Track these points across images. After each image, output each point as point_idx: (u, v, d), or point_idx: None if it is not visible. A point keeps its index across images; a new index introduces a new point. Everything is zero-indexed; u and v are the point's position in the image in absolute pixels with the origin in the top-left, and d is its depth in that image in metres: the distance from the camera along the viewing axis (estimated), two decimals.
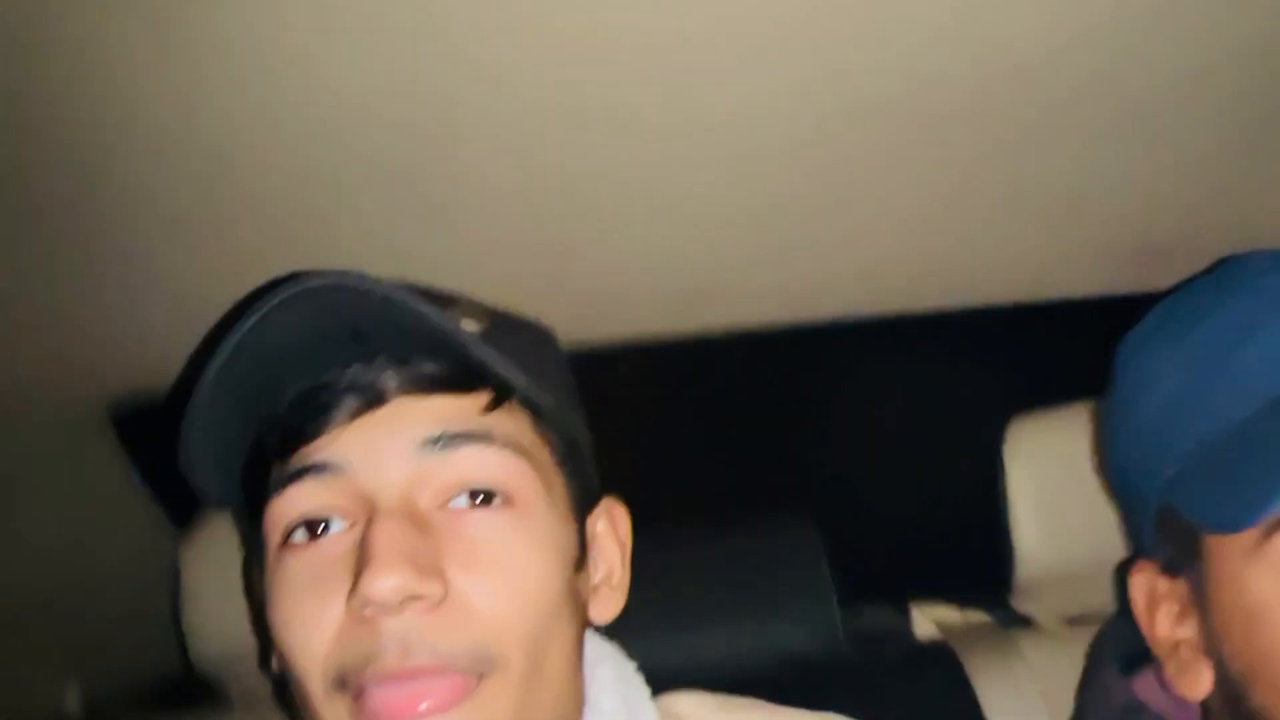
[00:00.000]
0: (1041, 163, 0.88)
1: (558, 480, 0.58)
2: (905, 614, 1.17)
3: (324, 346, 0.53)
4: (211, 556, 0.98)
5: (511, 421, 0.56)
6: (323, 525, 0.53)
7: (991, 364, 1.32)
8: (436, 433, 0.53)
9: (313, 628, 0.52)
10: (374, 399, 0.53)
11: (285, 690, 0.57)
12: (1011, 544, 1.06)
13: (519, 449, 0.55)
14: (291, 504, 0.53)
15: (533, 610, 0.53)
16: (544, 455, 0.58)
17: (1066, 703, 0.92)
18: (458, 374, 0.54)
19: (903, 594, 1.18)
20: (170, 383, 0.95)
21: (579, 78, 0.70)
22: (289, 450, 0.54)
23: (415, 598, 0.50)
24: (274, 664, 0.58)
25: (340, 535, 0.53)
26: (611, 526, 0.65)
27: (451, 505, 0.53)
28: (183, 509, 1.13)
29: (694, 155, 0.82)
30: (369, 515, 0.51)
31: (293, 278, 0.53)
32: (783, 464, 1.37)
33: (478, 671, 0.51)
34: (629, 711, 0.62)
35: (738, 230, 0.94)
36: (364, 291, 0.51)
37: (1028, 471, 1.01)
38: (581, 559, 0.59)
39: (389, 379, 0.53)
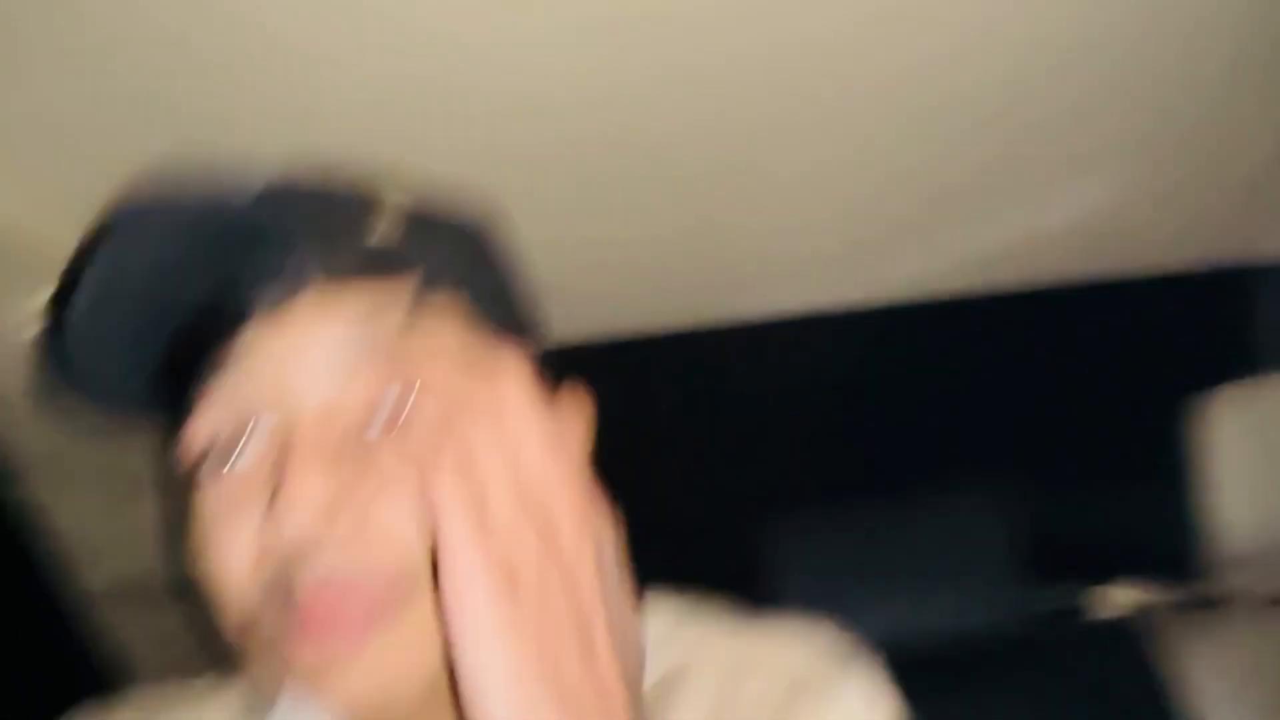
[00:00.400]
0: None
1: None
2: (1086, 594, 1.14)
3: (229, 234, 0.49)
4: None
5: (442, 311, 0.51)
6: (239, 447, 0.49)
7: (1172, 335, 1.27)
8: (361, 335, 0.49)
9: (229, 557, 0.49)
10: (290, 289, 0.49)
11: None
12: (1203, 522, 1.03)
13: (446, 346, 0.51)
14: (203, 427, 0.49)
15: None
16: (488, 329, 0.53)
17: (1272, 686, 0.89)
18: (374, 260, 0.50)
19: (1084, 573, 1.16)
20: None
21: None
22: (203, 358, 0.50)
23: (327, 530, 0.47)
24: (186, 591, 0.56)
25: (256, 459, 0.49)
26: (569, 430, 0.56)
27: (371, 425, 0.49)
28: None
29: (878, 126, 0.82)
30: (286, 439, 0.48)
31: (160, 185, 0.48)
32: (961, 439, 1.35)
33: (394, 593, 0.48)
34: None
35: (915, 199, 0.94)
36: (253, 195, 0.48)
37: (1231, 445, 0.97)
38: None
39: (302, 268, 0.49)
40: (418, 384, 0.49)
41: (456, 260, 0.53)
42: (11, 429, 0.90)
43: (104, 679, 1.02)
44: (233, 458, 0.49)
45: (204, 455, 0.50)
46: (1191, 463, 1.05)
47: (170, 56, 0.70)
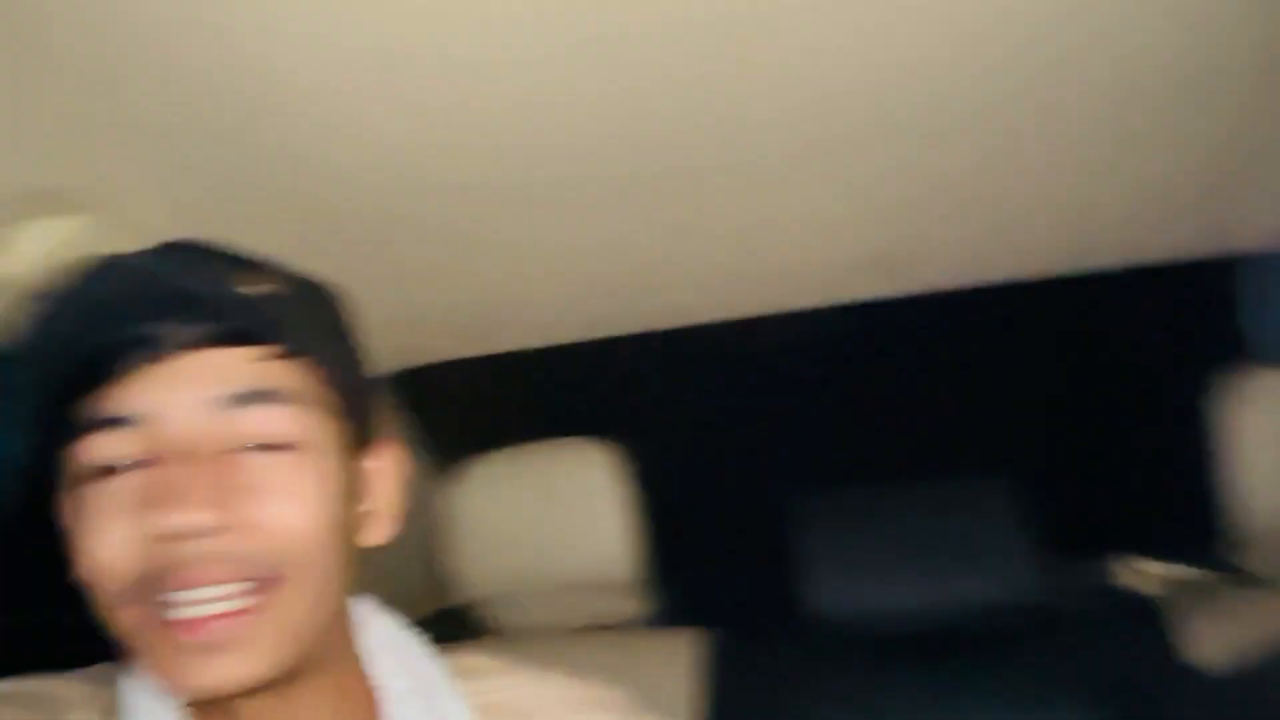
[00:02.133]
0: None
1: (336, 423, 0.63)
2: (1109, 570, 1.17)
3: (114, 305, 0.58)
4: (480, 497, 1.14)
5: (296, 372, 0.60)
6: (121, 467, 0.58)
7: (1193, 317, 1.28)
8: (225, 393, 0.58)
9: (106, 542, 0.56)
10: (158, 353, 0.58)
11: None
12: (1228, 500, 1.05)
13: (304, 400, 0.60)
14: (88, 450, 0.58)
15: (315, 527, 0.59)
16: (326, 401, 0.62)
17: None
18: (238, 331, 0.59)
19: (1105, 550, 1.19)
20: None
21: None
22: (83, 395, 0.58)
23: (206, 530, 0.55)
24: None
25: (133, 472, 0.57)
26: (391, 464, 0.69)
27: (239, 451, 0.58)
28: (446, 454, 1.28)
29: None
30: (164, 458, 0.57)
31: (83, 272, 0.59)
32: (981, 422, 1.38)
33: (265, 577, 0.57)
34: (416, 678, 0.68)
35: (931, 194, 0.97)
36: (140, 270, 0.59)
37: (1256, 424, 0.99)
38: (357, 493, 0.65)
39: (172, 334, 0.58)
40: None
41: (311, 327, 0.62)
42: None
43: None
44: (114, 467, 0.57)
45: (89, 470, 0.58)
46: (1217, 442, 1.06)
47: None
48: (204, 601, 0.56)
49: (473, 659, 0.72)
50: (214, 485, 0.56)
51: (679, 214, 0.97)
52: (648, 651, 1.13)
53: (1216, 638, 1.01)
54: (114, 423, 0.58)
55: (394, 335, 0.95)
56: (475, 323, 1.15)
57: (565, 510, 1.15)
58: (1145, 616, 1.07)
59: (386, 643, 0.69)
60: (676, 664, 1.10)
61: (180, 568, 0.55)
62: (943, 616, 1.04)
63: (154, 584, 0.56)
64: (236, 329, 0.59)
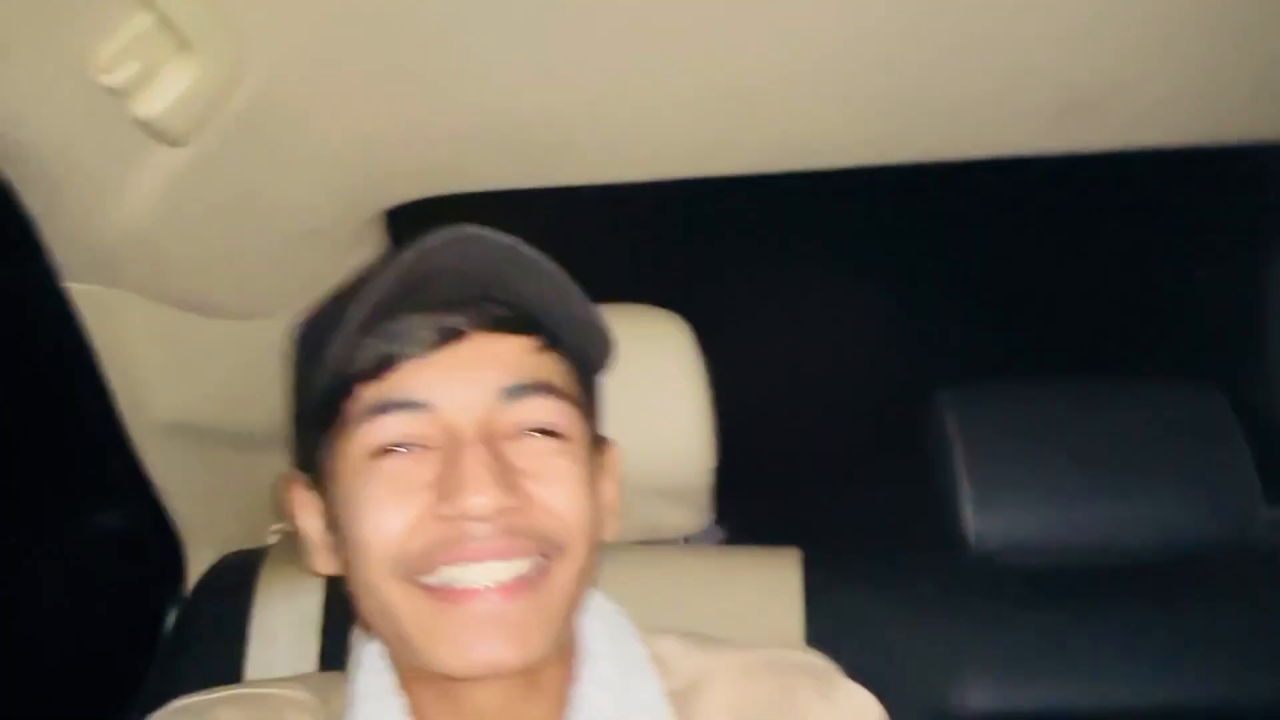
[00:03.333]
0: None
1: (587, 418, 0.67)
2: None
3: (427, 288, 0.61)
4: None
5: (562, 368, 0.65)
6: (404, 449, 0.61)
7: None
8: (510, 384, 0.61)
9: (389, 516, 0.59)
10: (451, 333, 0.61)
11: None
12: None
13: (568, 396, 0.64)
14: (381, 431, 0.61)
15: (586, 511, 0.62)
16: (581, 399, 0.66)
17: None
18: (523, 319, 0.63)
19: None
20: (444, 194, 0.92)
21: None
22: (375, 377, 0.61)
23: (503, 510, 0.58)
24: (333, 566, 0.66)
25: (423, 454, 0.61)
26: (610, 461, 0.71)
27: (519, 438, 0.62)
28: None
29: None
30: (451, 443, 0.60)
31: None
32: (1160, 315, 1.14)
33: (549, 552, 0.60)
34: (620, 651, 0.69)
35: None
36: (496, 244, 0.60)
37: None
38: (598, 487, 0.67)
39: (464, 319, 0.62)
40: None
41: (572, 324, 0.65)
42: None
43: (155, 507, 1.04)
44: (399, 447, 0.61)
45: (374, 450, 0.61)
46: None
47: None
48: (487, 577, 0.59)
49: (664, 645, 0.72)
50: (502, 469, 0.59)
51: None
52: (751, 573, 0.92)
53: None
54: (409, 406, 0.61)
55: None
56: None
57: (632, 396, 0.92)
58: None
59: (596, 611, 0.70)
60: (784, 590, 0.89)
61: (470, 541, 0.58)
62: (1133, 546, 0.82)
63: (438, 558, 0.59)
64: (522, 318, 0.63)
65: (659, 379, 0.92)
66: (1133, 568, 0.83)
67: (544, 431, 0.62)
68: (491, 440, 0.60)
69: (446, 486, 0.58)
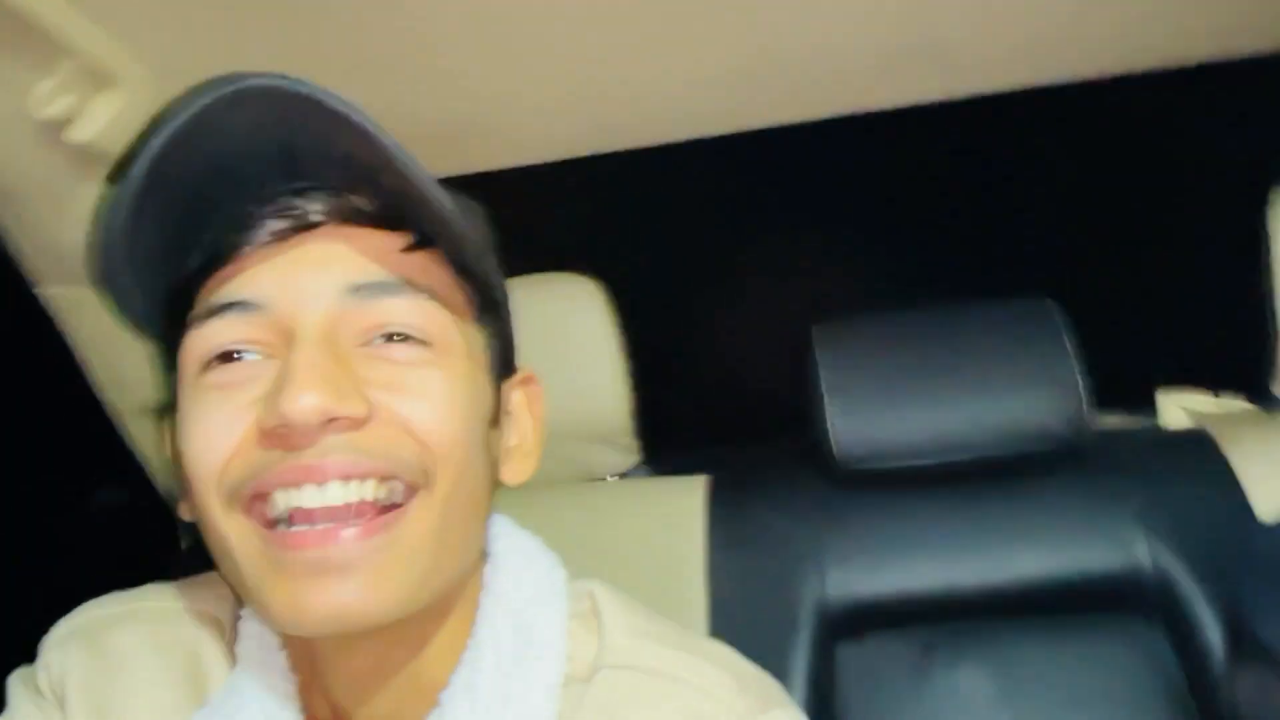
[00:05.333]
0: None
1: (476, 335, 0.56)
2: (1152, 401, 1.08)
3: (254, 166, 0.50)
4: None
5: (434, 269, 0.54)
6: (238, 356, 0.51)
7: (1244, 125, 1.15)
8: (359, 281, 0.51)
9: (215, 434, 0.49)
10: (298, 224, 0.51)
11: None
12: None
13: (437, 297, 0.53)
14: (208, 337, 0.51)
15: (458, 434, 0.51)
16: (463, 308, 0.55)
17: None
18: (386, 210, 0.52)
19: (1149, 382, 1.09)
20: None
21: None
22: (209, 274, 0.52)
23: (335, 419, 0.48)
24: (185, 511, 0.55)
25: (257, 362, 0.50)
26: (527, 399, 0.62)
27: (372, 344, 0.51)
28: None
29: None
30: (287, 346, 0.50)
31: (232, 77, 0.47)
32: (1018, 242, 1.26)
33: (411, 480, 0.50)
34: (532, 573, 0.59)
35: None
36: (309, 98, 0.47)
37: None
38: (495, 419, 0.57)
39: (316, 204, 0.51)
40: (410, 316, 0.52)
41: (450, 224, 0.53)
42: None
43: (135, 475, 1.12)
44: (234, 354, 0.50)
45: (205, 358, 0.51)
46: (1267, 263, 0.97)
47: None
48: (327, 507, 0.47)
49: (595, 586, 0.60)
50: (340, 371, 0.48)
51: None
52: (658, 498, 1.05)
53: (1264, 467, 0.94)
54: (240, 306, 0.50)
55: None
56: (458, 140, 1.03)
57: (553, 352, 1.05)
58: (1194, 444, 0.98)
59: (515, 548, 0.60)
60: (688, 511, 1.02)
61: (300, 457, 0.47)
62: (976, 448, 0.95)
63: (267, 480, 0.48)
64: (380, 209, 0.52)
65: (579, 334, 1.06)
66: (977, 464, 0.96)
67: (410, 340, 0.51)
68: (332, 341, 0.49)
69: (271, 392, 0.48)
